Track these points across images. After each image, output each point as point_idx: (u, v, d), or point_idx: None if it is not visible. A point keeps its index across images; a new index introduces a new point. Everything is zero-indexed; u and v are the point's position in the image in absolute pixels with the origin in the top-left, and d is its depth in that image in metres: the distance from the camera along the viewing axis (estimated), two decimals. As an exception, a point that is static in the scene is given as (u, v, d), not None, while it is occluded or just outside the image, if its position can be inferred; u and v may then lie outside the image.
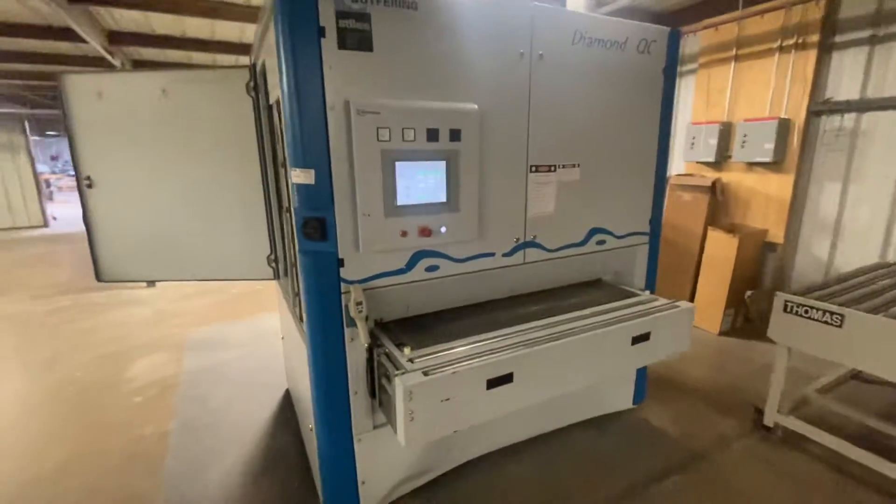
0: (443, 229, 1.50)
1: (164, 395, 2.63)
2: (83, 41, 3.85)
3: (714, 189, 3.41)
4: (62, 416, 2.46)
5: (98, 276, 2.46)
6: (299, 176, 1.31)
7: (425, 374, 1.30)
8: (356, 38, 1.28)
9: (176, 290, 4.60)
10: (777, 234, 3.32)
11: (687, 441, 2.14)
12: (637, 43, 1.81)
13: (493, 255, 1.69)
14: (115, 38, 4.17)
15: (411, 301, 1.62)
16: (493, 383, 1.38)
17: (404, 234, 1.43)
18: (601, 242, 1.96)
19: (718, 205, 3.52)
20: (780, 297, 1.99)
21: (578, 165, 1.80)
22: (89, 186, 2.33)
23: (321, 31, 1.24)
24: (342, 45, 1.27)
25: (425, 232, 1.45)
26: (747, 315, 3.43)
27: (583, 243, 1.91)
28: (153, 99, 2.23)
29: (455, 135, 1.44)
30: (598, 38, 1.71)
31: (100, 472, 1.99)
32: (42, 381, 2.87)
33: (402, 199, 1.41)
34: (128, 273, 2.50)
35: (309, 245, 1.41)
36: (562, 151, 1.75)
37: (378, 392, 1.51)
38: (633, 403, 2.36)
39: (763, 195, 3.36)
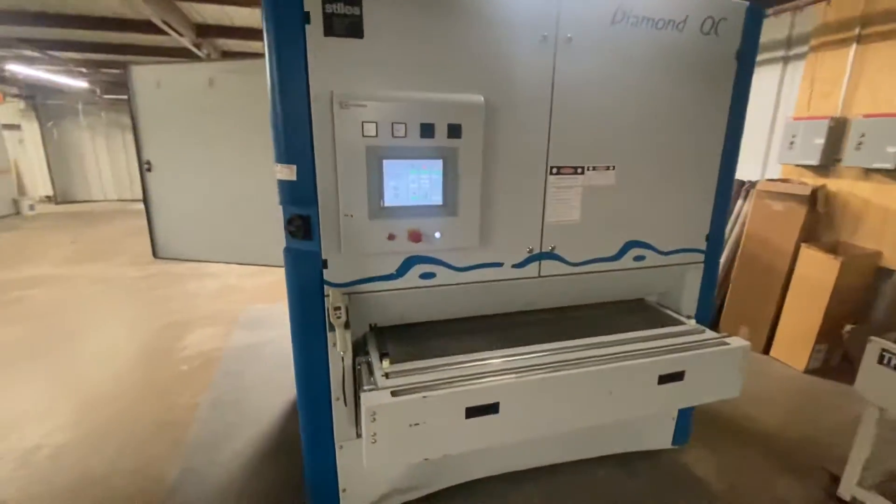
0: (437, 235, 1.36)
1: (206, 367, 2.82)
2: (178, 33, 4.21)
3: (814, 198, 2.84)
4: (118, 377, 2.73)
5: (154, 253, 2.70)
6: (282, 171, 1.25)
7: (394, 394, 1.19)
8: (344, 24, 1.18)
9: (243, 268, 4.96)
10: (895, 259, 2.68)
11: (733, 500, 1.80)
12: (701, 21, 1.50)
13: (500, 265, 1.52)
14: (202, 31, 4.52)
15: (405, 309, 1.51)
16: (473, 412, 1.23)
17: (392, 237, 1.31)
18: (639, 258, 1.69)
19: (818, 218, 2.93)
20: (874, 344, 1.57)
21: (613, 168, 1.54)
22: (149, 170, 2.54)
23: (306, 17, 1.15)
24: (328, 31, 1.17)
25: (416, 236, 1.33)
26: (845, 354, 2.84)
27: (616, 258, 1.65)
28: (203, 88, 2.34)
29: (454, 130, 1.29)
30: (647, 15, 1.43)
31: (128, 436, 2.17)
32: (115, 340, 3.24)
33: (389, 200, 1.29)
34: (181, 252, 2.70)
35: (293, 243, 1.35)
36: (593, 151, 1.51)
37: (357, 402, 1.43)
38: (673, 444, 2.05)
39: (881, 209, 2.72)
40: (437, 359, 1.39)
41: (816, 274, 2.74)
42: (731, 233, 3.28)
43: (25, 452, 2.05)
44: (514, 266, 1.53)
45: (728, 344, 1.51)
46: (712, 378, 1.50)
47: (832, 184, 2.93)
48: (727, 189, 1.75)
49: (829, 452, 2.04)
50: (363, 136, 1.22)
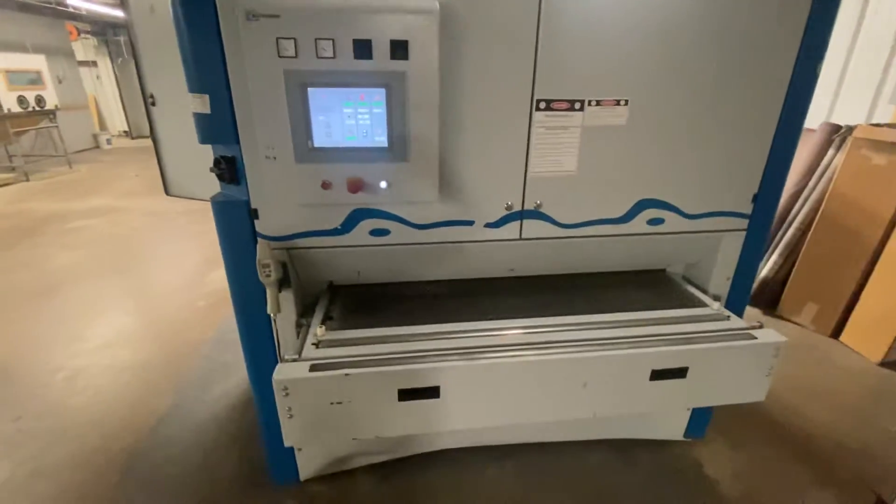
0: (383, 185, 1.12)
1: (219, 305, 2.88)
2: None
3: (934, 151, 2.19)
4: (145, 310, 2.88)
5: (166, 191, 2.72)
6: (194, 102, 1.06)
7: (314, 368, 1.03)
8: None
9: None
10: None
11: (747, 510, 1.54)
12: None
13: (470, 223, 1.26)
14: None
15: (360, 268, 1.32)
16: (408, 395, 1.06)
17: (326, 186, 1.10)
18: (656, 222, 1.34)
19: (937, 176, 2.28)
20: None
21: (626, 103, 1.18)
22: (153, 104, 2.48)
23: None
24: (230, -87, 0.91)
25: (355, 186, 1.10)
26: (941, 347, 2.30)
27: (623, 220, 1.33)
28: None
29: (399, 49, 1.00)
30: None
31: (139, 368, 2.27)
32: (150, 273, 3.41)
33: (320, 141, 1.06)
34: (192, 191, 2.70)
35: (223, 188, 1.19)
36: (597, 79, 1.15)
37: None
38: (685, 436, 1.78)
39: None
40: (383, 328, 1.20)
41: (918, 248, 2.17)
42: (813, 190, 2.69)
43: (47, 373, 2.22)
44: (487, 226, 1.27)
45: (755, 338, 1.18)
46: (727, 378, 1.20)
47: (966, 131, 2.23)
48: (793, 134, 1.31)
49: (883, 470, 1.67)
50: (279, 56, 0.98)
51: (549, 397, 1.12)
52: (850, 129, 2.50)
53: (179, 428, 1.87)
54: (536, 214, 1.28)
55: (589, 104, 1.17)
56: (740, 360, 1.17)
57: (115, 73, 9.87)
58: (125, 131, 10.47)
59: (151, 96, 2.51)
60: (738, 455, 1.75)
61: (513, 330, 1.21)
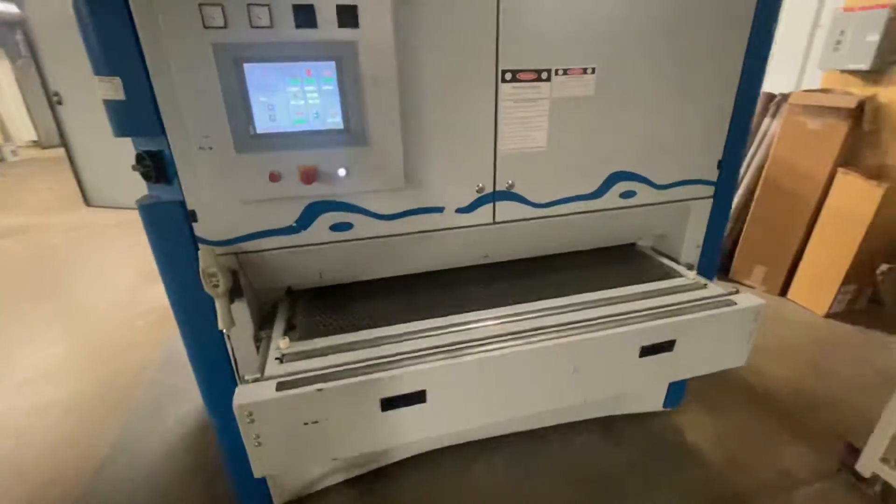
0: (341, 172, 1.00)
1: (162, 323, 2.62)
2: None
3: (860, 113, 2.33)
4: (72, 338, 2.55)
5: (86, 201, 2.40)
6: (104, 88, 0.88)
7: (281, 386, 0.90)
8: None
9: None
10: (955, 185, 2.22)
11: (731, 471, 1.57)
12: None
13: (440, 210, 1.16)
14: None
15: (321, 269, 1.19)
16: (392, 404, 0.95)
17: (275, 177, 0.96)
18: (628, 195, 1.31)
19: (861, 138, 2.44)
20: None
21: (592, 71, 1.12)
22: (59, 103, 2.16)
23: None
24: None
25: (309, 176, 0.97)
26: (875, 296, 2.49)
27: (596, 195, 1.28)
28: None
29: (347, 15, 0.88)
30: None
31: (71, 403, 2.00)
32: (75, 296, 3.05)
33: (263, 125, 0.92)
34: (116, 199, 2.40)
35: (150, 188, 1.01)
36: (563, 46, 1.08)
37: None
38: (664, 406, 1.80)
39: (945, 123, 2.22)
40: (353, 333, 1.09)
41: (852, 204, 2.31)
42: (753, 158, 2.81)
43: (-42, 422, 1.90)
44: (459, 211, 1.18)
45: (735, 304, 1.17)
46: (712, 346, 1.18)
47: (884, 93, 2.40)
48: (751, 100, 1.32)
49: (849, 417, 1.77)
50: (205, 27, 0.83)
51: (539, 387, 1.06)
52: (785, 96, 2.63)
53: (129, 467, 1.66)
54: (509, 196, 1.20)
55: (556, 73, 1.10)
56: (724, 328, 1.16)
57: (15, 76, 8.80)
58: (34, 141, 9.40)
59: (56, 94, 2.20)
60: (715, 420, 1.78)
61: (494, 320, 1.13)
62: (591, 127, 1.18)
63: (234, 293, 1.06)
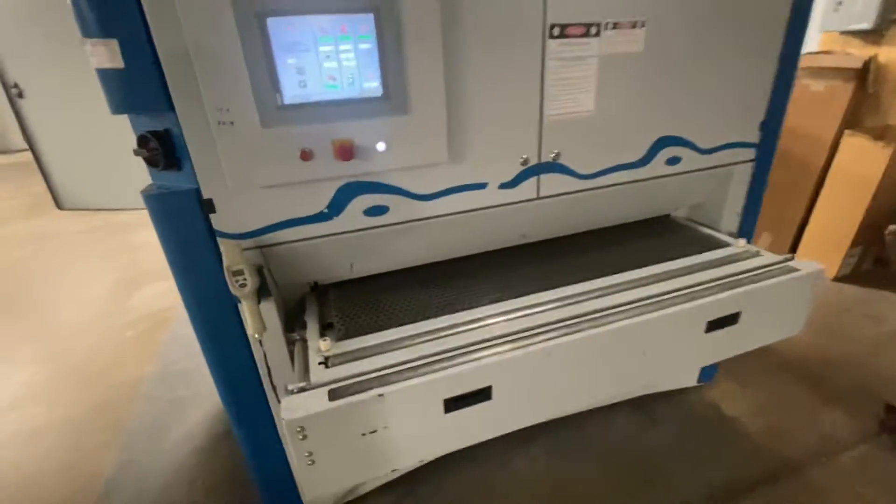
0: (380, 146, 0.88)
1: (155, 331, 2.43)
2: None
3: (865, 73, 2.31)
4: (53, 355, 2.34)
5: (58, 205, 2.17)
6: (97, 53, 0.73)
7: (334, 394, 0.79)
8: None
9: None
10: (958, 142, 2.24)
11: (773, 441, 1.53)
12: None
13: (483, 186, 1.05)
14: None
15: (353, 259, 1.07)
16: (455, 404, 0.85)
17: (307, 155, 0.83)
18: (674, 161, 1.22)
19: (866, 99, 2.43)
20: None
21: (642, 25, 1.02)
22: (20, 96, 1.92)
23: None
24: None
25: (346, 151, 0.84)
26: (881, 257, 2.51)
27: (642, 163, 1.19)
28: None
29: (387, -41, 0.75)
30: None
31: (63, 426, 1.82)
32: (53, 310, 2.81)
33: (291, 94, 0.79)
34: (89, 201, 2.17)
35: (156, 177, 0.87)
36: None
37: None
38: (699, 381, 1.75)
39: (948, 80, 2.22)
40: (397, 329, 0.97)
41: (859, 166, 2.31)
42: (755, 125, 2.78)
43: (-68, 457, 1.70)
44: (502, 186, 1.07)
45: (798, 270, 1.10)
46: (774, 316, 1.12)
47: (885, 53, 2.38)
48: (795, 56, 1.25)
49: (877, 377, 1.76)
50: (221, -27, 0.68)
51: (610, 372, 0.97)
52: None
53: (137, 490, 1.51)
54: (554, 167, 1.10)
55: (605, 28, 0.99)
56: (787, 295, 1.10)
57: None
58: (-16, 146, 8.73)
59: (16, 86, 1.96)
60: (749, 391, 1.75)
61: (551, 304, 1.04)
62: (640, 87, 1.09)
63: (261, 292, 0.93)
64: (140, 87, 0.75)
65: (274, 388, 1.01)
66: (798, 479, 1.40)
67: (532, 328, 0.95)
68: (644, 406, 1.69)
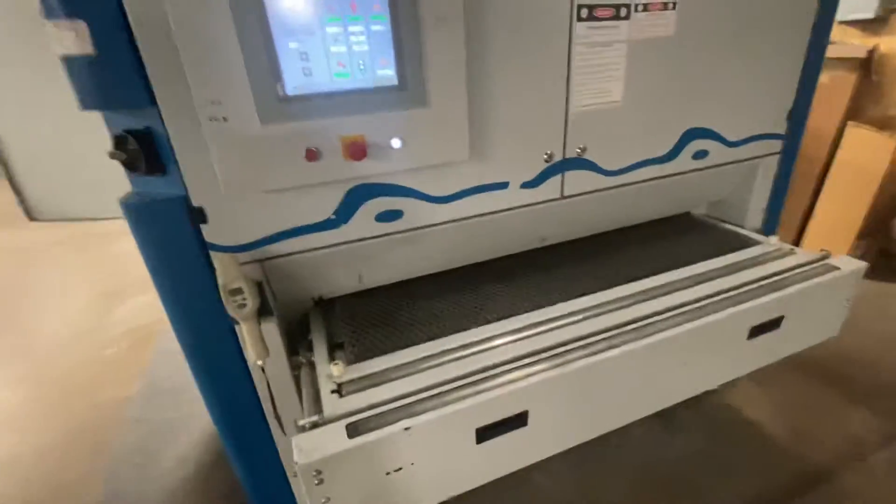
0: (395, 143, 0.77)
1: (138, 348, 2.28)
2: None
3: (869, 63, 2.28)
4: (26, 379, 2.18)
5: (30, 216, 2.02)
6: (63, 38, 0.61)
7: (353, 429, 0.68)
8: None
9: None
10: (962, 131, 2.22)
11: (800, 445, 1.47)
12: None
13: (504, 186, 0.95)
14: None
15: (362, 269, 0.96)
16: (488, 433, 0.75)
17: (313, 154, 0.72)
18: (701, 155, 1.14)
19: (870, 89, 2.40)
20: None
21: (674, 6, 0.94)
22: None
23: None
24: None
25: (358, 150, 0.74)
26: (886, 248, 2.49)
27: (669, 158, 1.11)
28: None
29: (404, -74, 0.65)
30: None
31: (34, 461, 1.67)
32: (29, 329, 2.63)
33: (294, 84, 0.68)
34: (66, 210, 2.02)
35: (136, 183, 0.75)
36: (643, -24, 0.89)
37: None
38: (717, 386, 1.68)
39: (951, 68, 2.20)
40: (416, 348, 0.87)
41: (864, 158, 2.27)
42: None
43: None
44: (524, 186, 0.97)
45: (839, 268, 1.03)
46: (815, 318, 1.05)
47: (886, 43, 2.35)
48: (823, 42, 1.18)
49: (892, 369, 1.71)
50: (210, -60, 0.57)
51: (649, 387, 0.89)
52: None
53: (122, 525, 1.38)
54: (580, 163, 1.00)
55: (635, 10, 0.91)
56: (829, 296, 1.03)
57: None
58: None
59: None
60: (768, 392, 1.69)
61: (583, 314, 0.95)
62: (669, 74, 1.00)
63: (262, 311, 0.82)
64: (115, 77, 0.63)
65: (279, 419, 0.90)
66: (831, 486, 1.33)
67: (566, 342, 0.86)
68: (664, 412, 1.60)
